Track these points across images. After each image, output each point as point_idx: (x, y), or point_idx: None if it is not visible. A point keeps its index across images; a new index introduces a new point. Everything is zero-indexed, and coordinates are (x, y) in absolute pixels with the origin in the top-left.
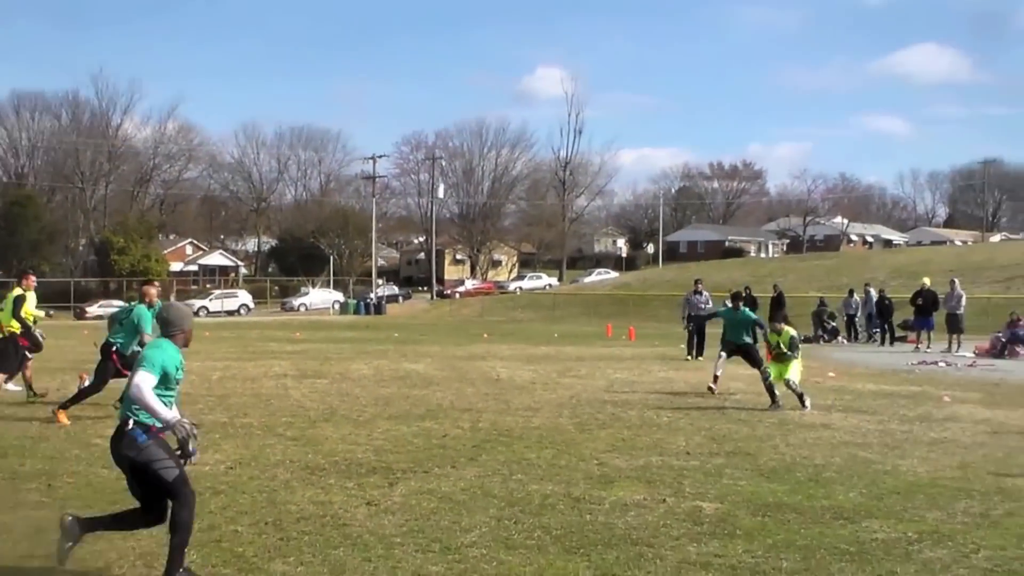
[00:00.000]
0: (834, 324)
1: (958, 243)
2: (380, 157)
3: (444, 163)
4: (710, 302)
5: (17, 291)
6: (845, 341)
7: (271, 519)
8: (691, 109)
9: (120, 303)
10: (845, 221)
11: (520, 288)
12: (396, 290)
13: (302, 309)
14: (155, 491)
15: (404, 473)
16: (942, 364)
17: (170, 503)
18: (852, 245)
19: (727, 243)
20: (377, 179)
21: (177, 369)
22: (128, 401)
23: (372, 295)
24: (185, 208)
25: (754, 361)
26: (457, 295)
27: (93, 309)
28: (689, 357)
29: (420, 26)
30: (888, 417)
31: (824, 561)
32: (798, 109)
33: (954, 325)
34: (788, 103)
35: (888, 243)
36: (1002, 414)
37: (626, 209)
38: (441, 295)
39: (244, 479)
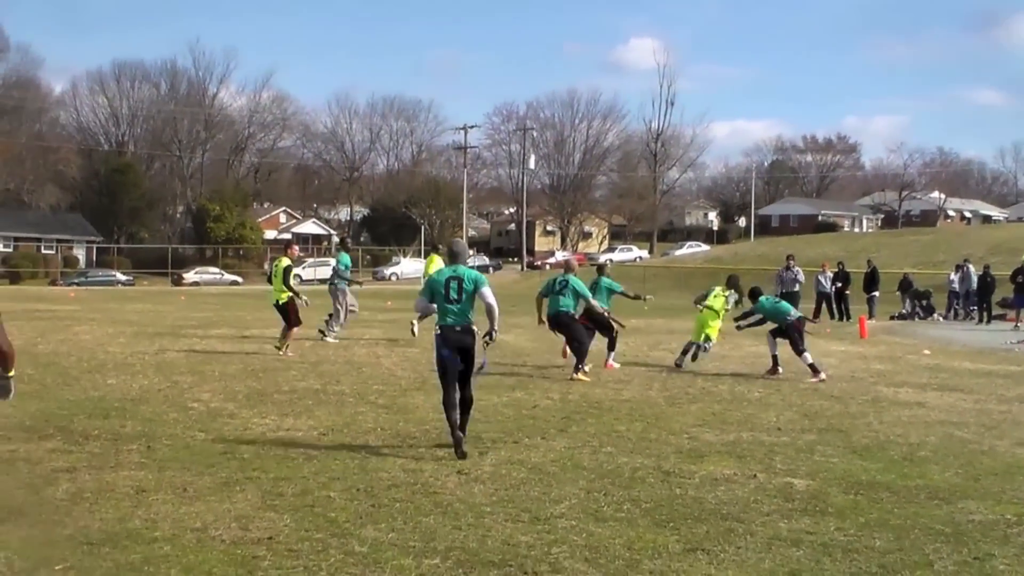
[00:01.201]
0: (929, 301)
1: None
2: (472, 128)
3: (535, 134)
4: (801, 276)
5: (285, 261)
6: (941, 318)
7: (363, 486)
8: (786, 81)
9: (215, 270)
10: (942, 196)
11: (611, 260)
12: (486, 260)
13: (394, 278)
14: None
15: (494, 443)
16: None
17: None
18: (949, 220)
19: (820, 217)
20: (468, 149)
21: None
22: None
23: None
24: (279, 177)
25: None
26: (547, 266)
27: (190, 275)
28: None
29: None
30: (986, 397)
31: (918, 541)
32: (895, 81)
33: None
34: (885, 75)
35: (987, 219)
36: None
37: (717, 182)
38: (531, 266)
39: (337, 445)
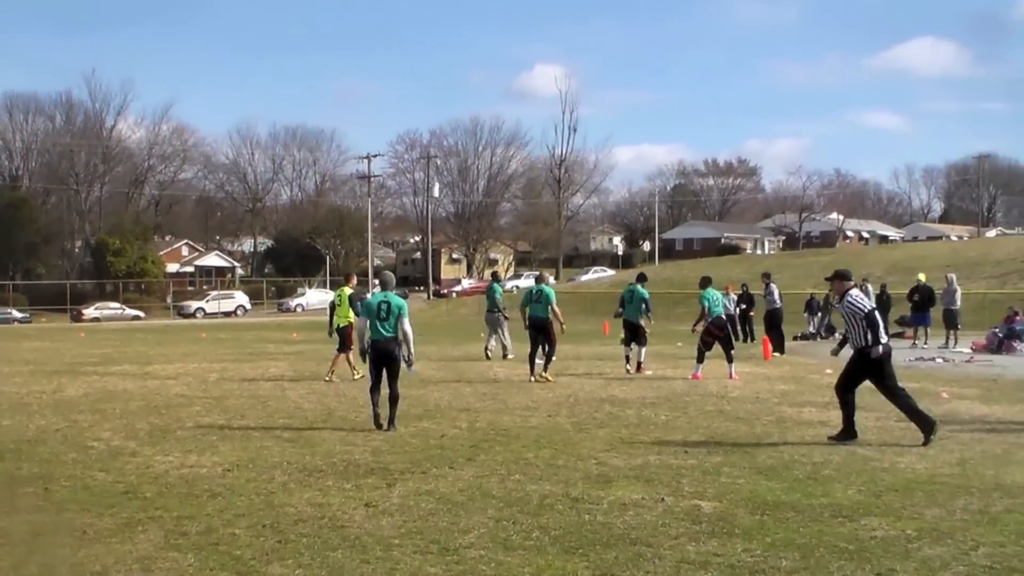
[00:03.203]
0: (828, 319)
1: (954, 238)
2: (375, 156)
3: (439, 162)
4: (777, 294)
5: (348, 289)
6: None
7: (269, 522)
8: (687, 106)
9: (116, 305)
10: (841, 217)
11: (517, 287)
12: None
13: (299, 310)
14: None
15: (402, 474)
16: (939, 360)
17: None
18: (848, 241)
19: (723, 240)
20: (372, 178)
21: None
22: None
23: (368, 295)
24: (180, 209)
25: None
26: (454, 294)
27: (89, 311)
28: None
29: (413, 25)
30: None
31: (823, 559)
32: (795, 105)
33: (951, 321)
34: (785, 100)
35: (884, 239)
36: (1000, 410)
37: (621, 207)
38: (438, 294)
39: (242, 481)
